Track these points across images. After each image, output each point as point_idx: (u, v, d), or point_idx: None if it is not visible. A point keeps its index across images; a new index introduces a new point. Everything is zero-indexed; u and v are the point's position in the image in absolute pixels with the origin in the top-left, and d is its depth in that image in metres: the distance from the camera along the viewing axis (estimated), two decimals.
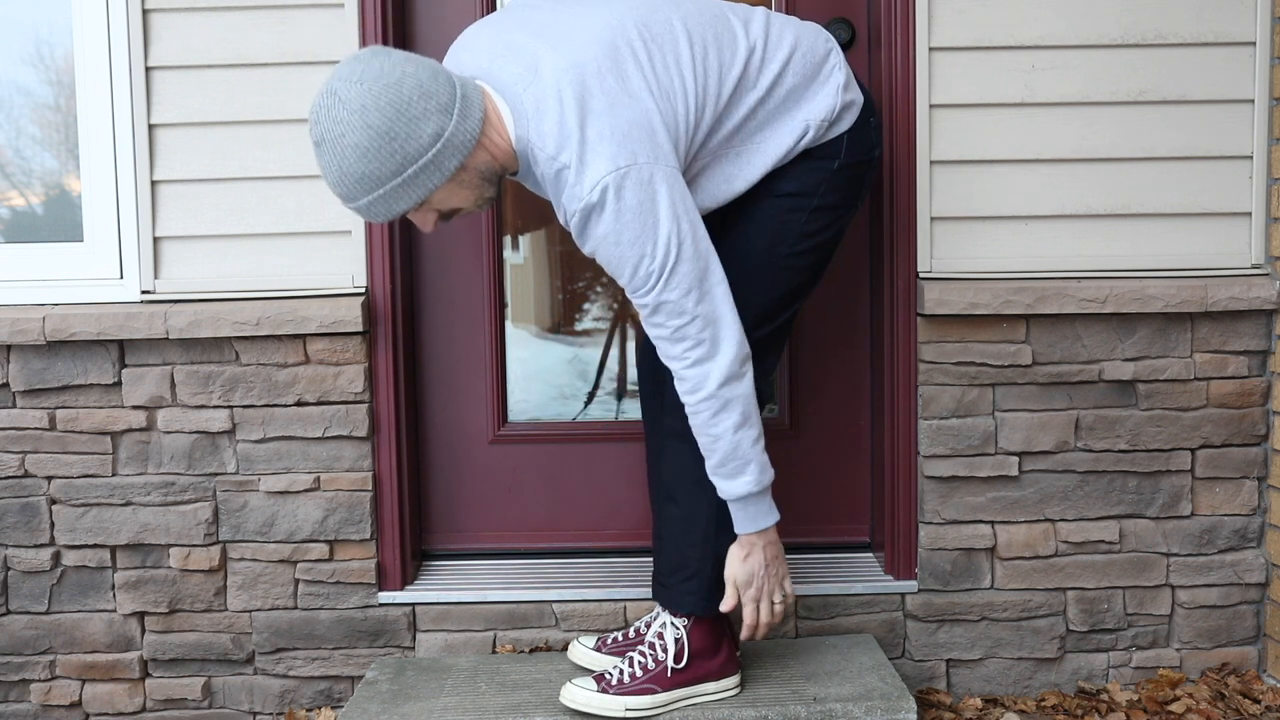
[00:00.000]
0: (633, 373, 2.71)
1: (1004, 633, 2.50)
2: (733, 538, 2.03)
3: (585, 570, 2.57)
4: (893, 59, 2.43)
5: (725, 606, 2.05)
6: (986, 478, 2.48)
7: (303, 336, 2.43)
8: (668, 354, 1.89)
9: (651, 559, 2.58)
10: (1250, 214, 2.47)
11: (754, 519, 1.98)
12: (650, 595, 2.48)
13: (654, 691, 2.07)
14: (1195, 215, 2.47)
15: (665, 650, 2.09)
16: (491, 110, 1.84)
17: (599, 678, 2.09)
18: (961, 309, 2.41)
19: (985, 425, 2.46)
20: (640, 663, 2.09)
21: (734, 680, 2.15)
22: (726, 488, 1.96)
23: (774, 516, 2.00)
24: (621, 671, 2.09)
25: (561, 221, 1.90)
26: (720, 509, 2.04)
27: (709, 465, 1.96)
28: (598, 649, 2.30)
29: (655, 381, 2.22)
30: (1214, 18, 2.43)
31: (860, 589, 2.49)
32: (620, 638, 2.31)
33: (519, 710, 2.12)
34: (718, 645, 2.12)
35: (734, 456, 1.93)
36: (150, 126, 2.44)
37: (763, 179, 1.99)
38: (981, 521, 2.48)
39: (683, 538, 2.10)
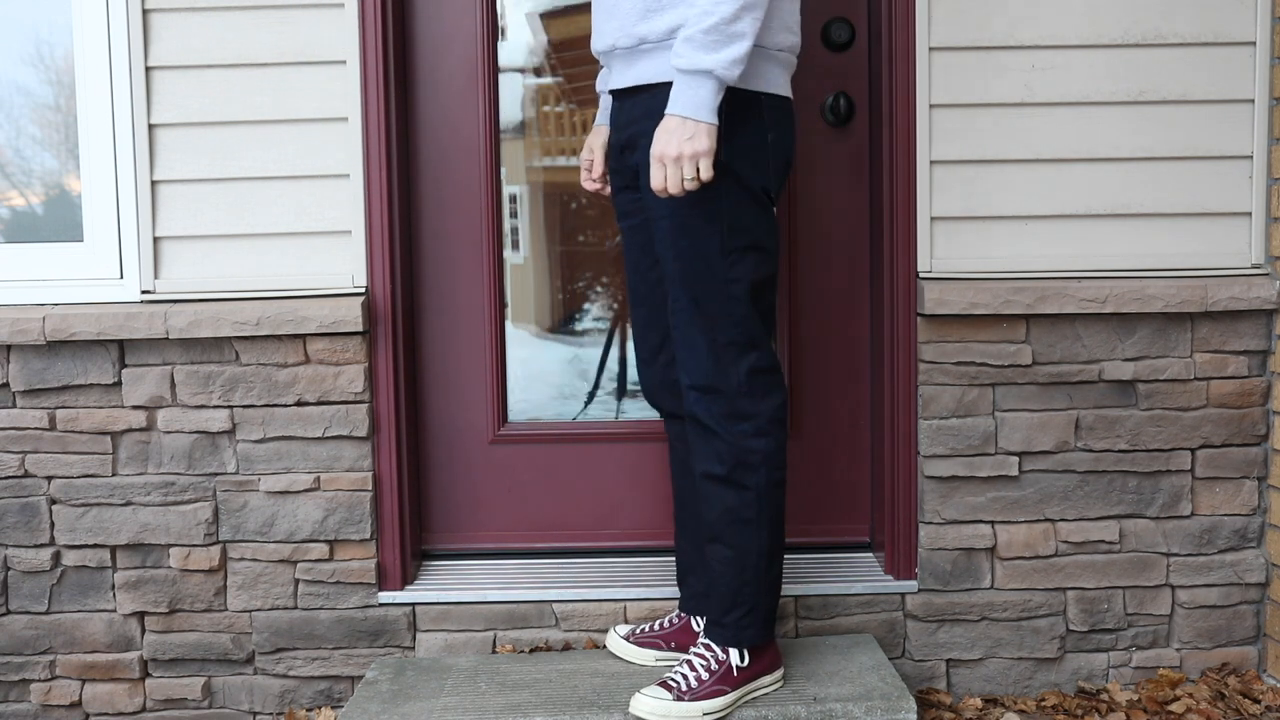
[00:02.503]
0: (633, 373, 2.71)
1: (1004, 633, 2.50)
2: (781, 564, 2.10)
3: (585, 570, 2.57)
4: (893, 59, 2.43)
5: (655, 184, 1.91)
6: (986, 478, 2.48)
7: (303, 336, 2.43)
8: None
9: (649, 559, 2.60)
10: (1250, 214, 2.47)
11: (704, 104, 1.87)
12: (645, 596, 2.49)
13: (724, 692, 2.06)
14: (1195, 215, 2.47)
15: (728, 651, 2.10)
16: None
17: (665, 685, 2.06)
18: (961, 309, 2.41)
19: (985, 425, 2.46)
20: (704, 664, 2.08)
21: (781, 670, 2.19)
22: (705, 59, 1.84)
23: (714, 119, 1.89)
24: (686, 677, 2.07)
25: None
26: (771, 540, 2.08)
27: (701, 27, 1.84)
28: (628, 639, 2.33)
29: (676, 416, 2.25)
30: (1214, 18, 2.43)
31: (860, 589, 2.49)
32: (650, 628, 2.34)
33: (519, 710, 2.12)
34: (765, 650, 2.15)
35: (735, 20, 1.85)
36: (150, 126, 2.44)
37: None
38: (981, 521, 2.48)
39: (736, 576, 2.08)
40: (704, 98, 1.86)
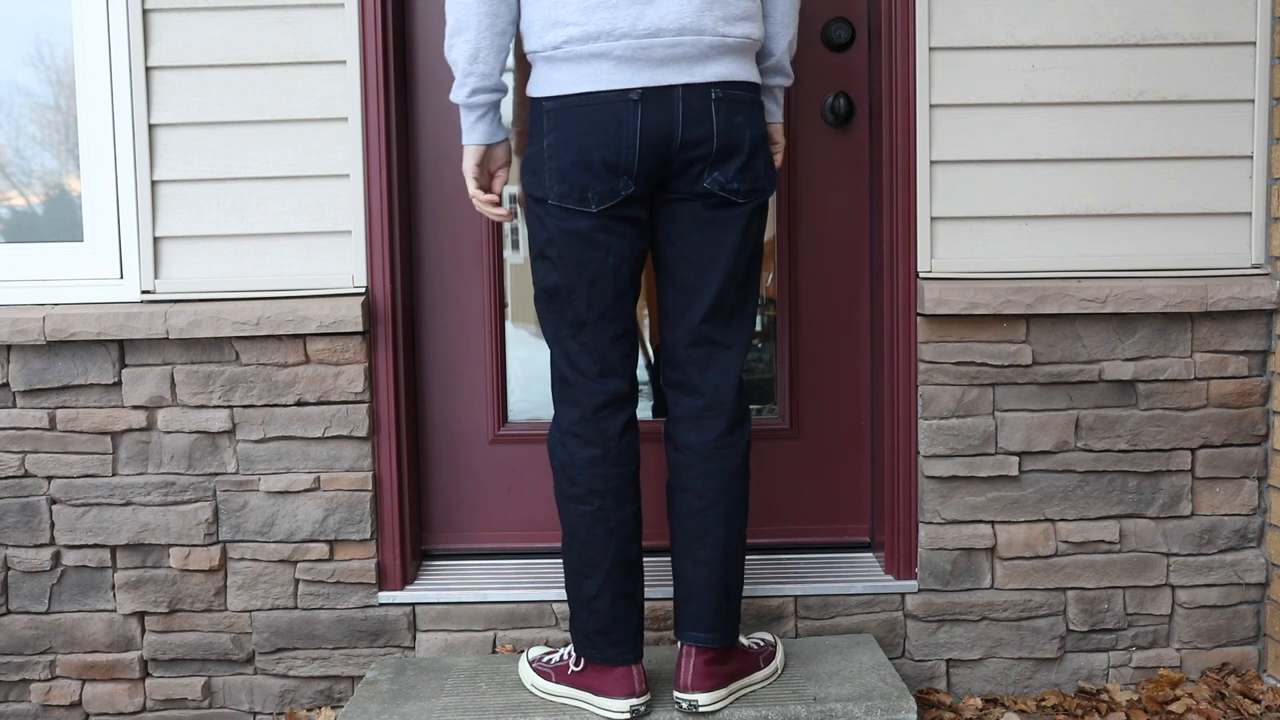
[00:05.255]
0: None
1: (1004, 633, 2.50)
2: (582, 588, 2.11)
3: None
4: (893, 59, 2.43)
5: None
6: (986, 478, 2.48)
7: (303, 336, 2.43)
8: None
9: (647, 559, 2.59)
10: (1250, 214, 2.47)
11: (462, 130, 2.10)
12: (644, 596, 2.49)
13: (549, 679, 2.19)
14: (1195, 215, 2.47)
15: (571, 654, 2.19)
16: None
17: (550, 652, 2.26)
18: (961, 309, 2.41)
19: (985, 425, 2.46)
20: (562, 654, 2.23)
21: (615, 704, 2.09)
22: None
23: (471, 139, 2.09)
24: (555, 649, 2.26)
25: None
26: (567, 553, 2.13)
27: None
28: None
29: None
30: (1214, 18, 2.43)
31: (860, 589, 2.49)
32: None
33: (519, 710, 2.12)
34: (605, 673, 2.12)
35: (449, 52, 2.04)
36: (150, 126, 2.44)
37: None
38: (981, 521, 2.48)
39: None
40: (462, 125, 2.09)
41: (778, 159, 2.24)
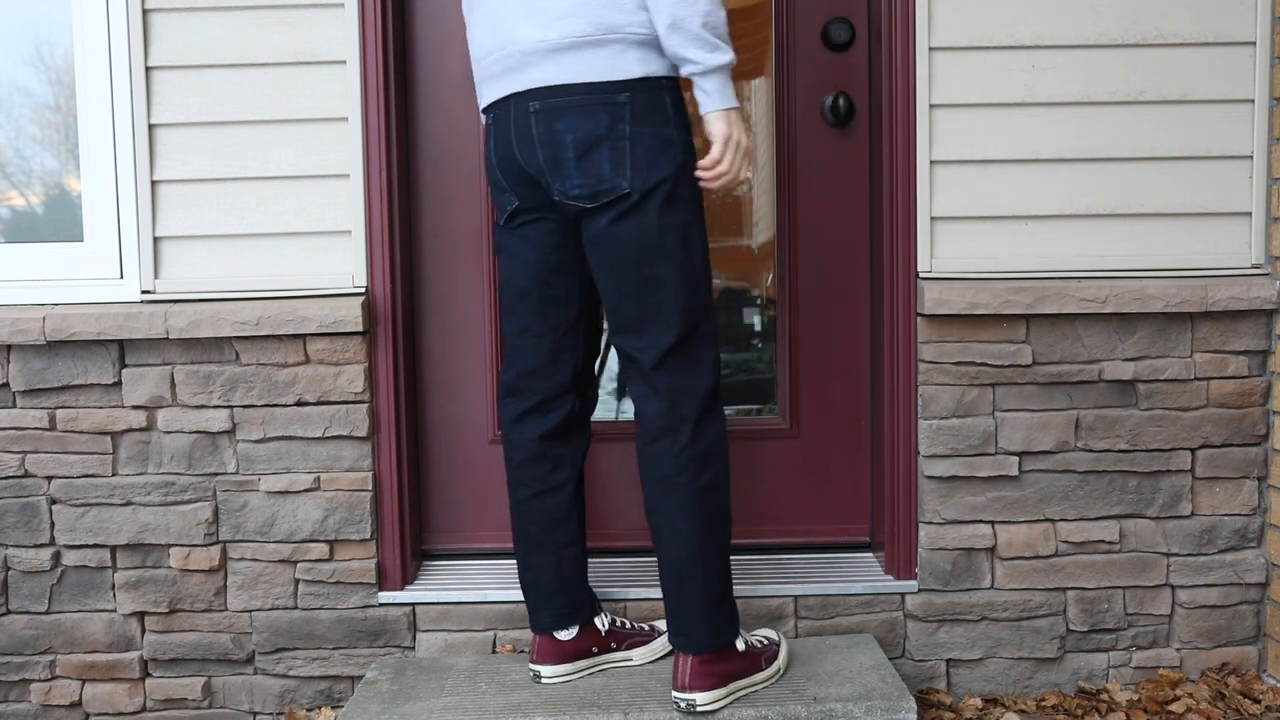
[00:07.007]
0: None
1: (1004, 633, 2.50)
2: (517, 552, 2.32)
3: None
4: (893, 59, 2.43)
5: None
6: (986, 478, 2.48)
7: (303, 336, 2.43)
8: None
9: (649, 559, 2.59)
10: (1250, 214, 2.47)
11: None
12: (653, 595, 2.49)
13: None
14: (1195, 215, 2.47)
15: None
16: None
17: None
18: (961, 309, 2.41)
19: (985, 425, 2.46)
20: None
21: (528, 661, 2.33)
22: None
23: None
24: None
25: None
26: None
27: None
28: None
29: None
30: (1214, 18, 2.43)
31: (860, 589, 2.49)
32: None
33: (519, 710, 2.12)
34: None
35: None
36: (150, 126, 2.44)
37: None
38: (981, 521, 2.49)
39: None
40: None
41: (717, 148, 2.00)
